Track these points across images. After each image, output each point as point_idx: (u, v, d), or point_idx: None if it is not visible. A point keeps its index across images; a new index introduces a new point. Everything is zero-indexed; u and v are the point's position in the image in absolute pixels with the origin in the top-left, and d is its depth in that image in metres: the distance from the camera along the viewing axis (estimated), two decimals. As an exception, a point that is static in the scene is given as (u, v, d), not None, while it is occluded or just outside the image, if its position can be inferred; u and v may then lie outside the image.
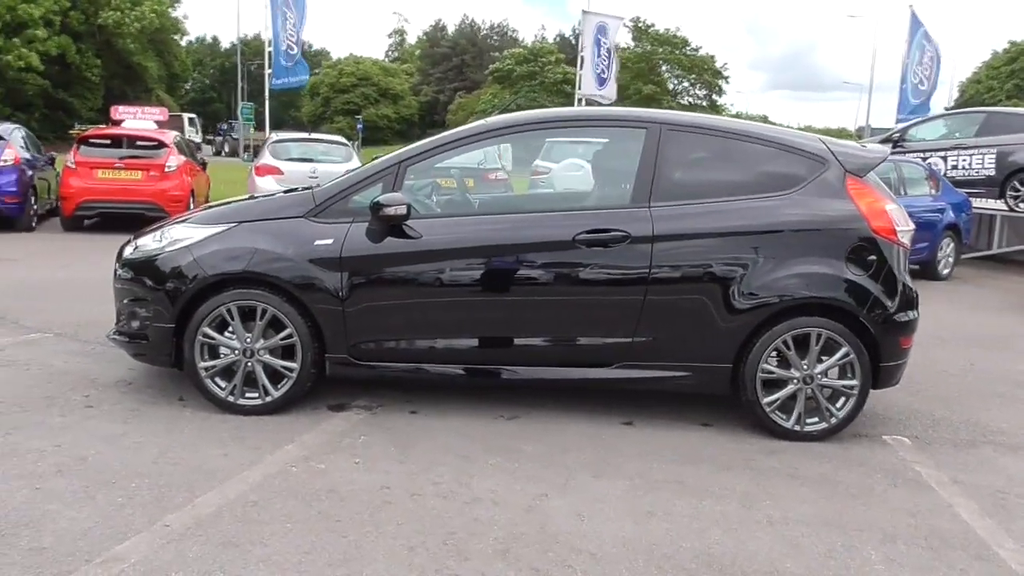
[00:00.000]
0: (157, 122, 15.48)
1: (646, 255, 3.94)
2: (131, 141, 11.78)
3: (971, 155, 11.84)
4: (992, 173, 11.77)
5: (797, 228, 4.03)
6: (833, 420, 4.08)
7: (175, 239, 4.10)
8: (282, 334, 3.97)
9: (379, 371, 4.08)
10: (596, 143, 9.78)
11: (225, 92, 69.22)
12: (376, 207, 3.86)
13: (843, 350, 4.01)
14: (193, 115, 42.99)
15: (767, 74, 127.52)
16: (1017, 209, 11.77)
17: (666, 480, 3.53)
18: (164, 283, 4.02)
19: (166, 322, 4.02)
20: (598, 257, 3.95)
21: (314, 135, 13.55)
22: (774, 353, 4.02)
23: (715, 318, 3.98)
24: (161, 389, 4.37)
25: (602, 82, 19.48)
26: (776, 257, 3.98)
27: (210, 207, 4.57)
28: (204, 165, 14.63)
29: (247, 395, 4.05)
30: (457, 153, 4.23)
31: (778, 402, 4.06)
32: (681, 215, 4.00)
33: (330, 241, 3.96)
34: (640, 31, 56.18)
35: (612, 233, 3.93)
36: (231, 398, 4.03)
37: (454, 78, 68.36)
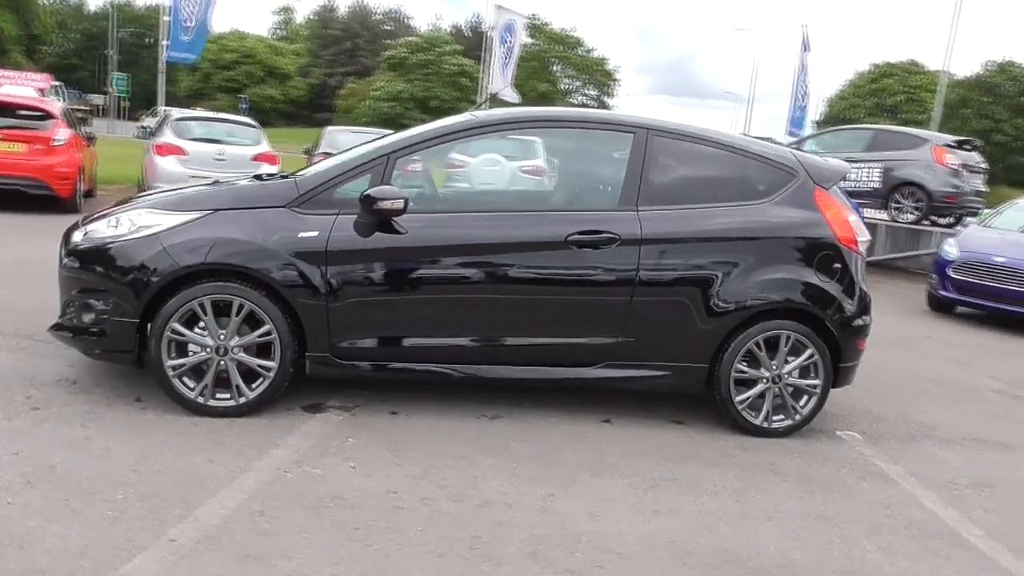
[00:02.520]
0: (39, 89, 14.32)
1: (634, 257, 4.00)
2: (11, 110, 10.77)
3: (859, 169, 12.64)
4: (878, 186, 12.66)
5: (771, 235, 4.19)
6: (797, 417, 4.28)
7: (140, 226, 3.82)
8: (259, 331, 3.78)
9: (362, 371, 3.95)
10: (540, 140, 9.69)
11: (91, 60, 64.68)
12: (369, 200, 3.73)
13: (808, 351, 4.21)
14: (58, 83, 39.99)
15: (651, 78, 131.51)
16: (899, 220, 12.73)
17: (662, 478, 3.61)
18: (127, 274, 3.74)
19: (129, 316, 3.75)
20: (588, 258, 3.98)
21: (220, 115, 12.94)
22: (746, 354, 4.18)
23: (695, 320, 4.10)
24: (112, 388, 4.06)
25: (503, 79, 19.54)
26: (753, 262, 4.14)
27: (172, 192, 4.26)
28: (92, 140, 13.68)
29: (218, 396, 3.83)
30: (448, 147, 4.14)
31: (749, 400, 4.22)
32: (666, 219, 4.08)
33: (315, 234, 3.80)
34: (536, 29, 56.67)
35: (603, 234, 3.97)
36: (201, 399, 3.80)
37: (346, 62, 66.71)
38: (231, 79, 58.88)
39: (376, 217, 3.79)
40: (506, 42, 19.00)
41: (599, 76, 59.92)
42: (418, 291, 3.90)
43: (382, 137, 4.44)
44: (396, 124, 47.47)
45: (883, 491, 3.73)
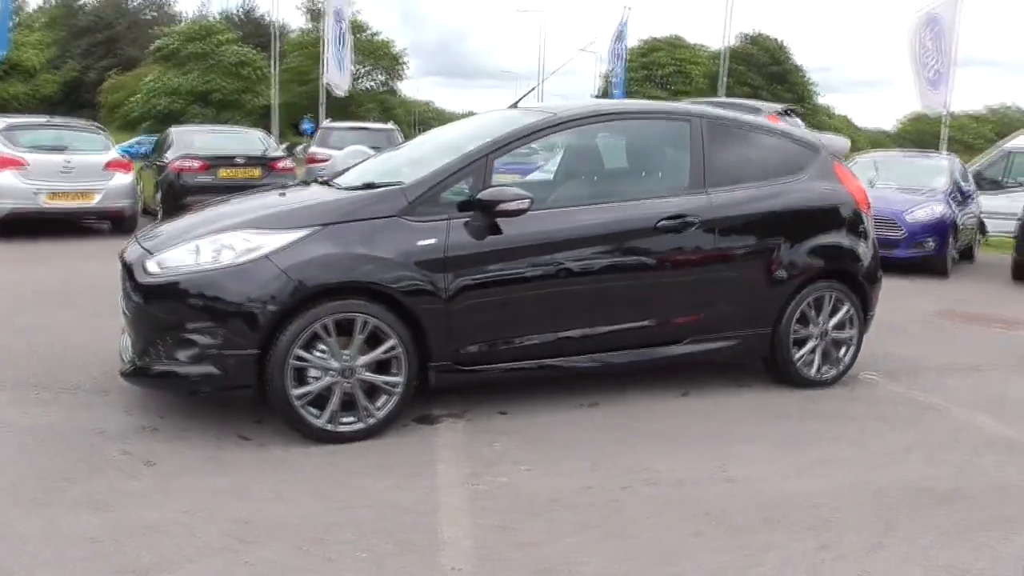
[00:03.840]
0: None
1: (711, 236, 4.27)
2: None
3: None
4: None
5: (812, 206, 4.64)
6: (840, 367, 4.79)
7: (243, 249, 3.50)
8: (384, 346, 3.63)
9: (482, 375, 3.91)
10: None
11: None
12: (490, 202, 3.68)
13: (846, 306, 4.72)
14: None
15: (420, 60, 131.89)
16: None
17: (782, 437, 3.93)
18: (239, 302, 3.43)
19: (246, 348, 3.45)
20: (673, 240, 4.19)
21: (56, 119, 11.50)
22: (800, 315, 4.61)
23: (761, 289, 4.45)
24: (200, 429, 3.71)
25: (338, 68, 18.91)
26: (801, 232, 4.56)
27: (257, 208, 3.88)
28: None
29: (342, 420, 3.63)
30: (533, 142, 4.14)
31: (803, 357, 4.66)
32: (730, 198, 4.39)
33: (433, 241, 3.69)
34: (317, 14, 54.78)
35: (686, 218, 4.19)
36: (329, 426, 3.59)
37: (103, 54, 60.45)
38: (-38, 80, 51.53)
39: (493, 219, 3.75)
40: (338, 28, 18.37)
41: (386, 60, 59.20)
42: (532, 288, 3.92)
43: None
44: (177, 121, 44.09)
45: (945, 419, 4.30)
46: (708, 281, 4.31)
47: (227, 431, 3.71)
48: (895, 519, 3.06)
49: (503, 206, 3.68)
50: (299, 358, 3.50)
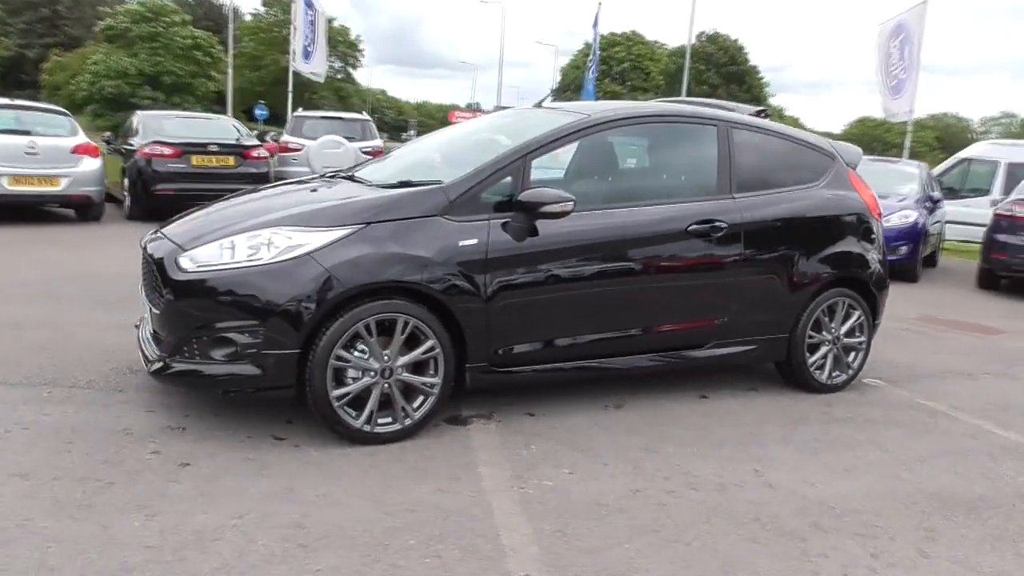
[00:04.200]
0: None
1: (738, 241, 4.32)
2: None
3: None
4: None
5: (831, 213, 4.73)
6: (850, 371, 4.89)
7: (285, 247, 3.42)
8: (423, 347, 3.58)
9: (517, 376, 3.89)
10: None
11: None
12: (533, 204, 3.66)
13: (857, 312, 4.83)
14: None
15: (370, 48, 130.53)
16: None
17: (810, 440, 4.00)
18: (281, 301, 3.35)
19: (288, 348, 3.38)
20: (703, 245, 4.23)
21: (19, 101, 11.03)
22: (815, 321, 4.69)
23: (782, 295, 4.52)
24: (230, 429, 3.62)
25: (307, 55, 18.54)
26: (820, 239, 4.65)
27: (295, 206, 3.75)
28: None
29: (379, 421, 3.58)
30: (571, 143, 4.11)
31: (816, 362, 4.75)
32: (756, 204, 4.44)
33: (475, 241, 3.66)
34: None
35: (716, 222, 4.23)
36: (367, 427, 3.54)
37: (45, 32, 58.22)
38: None
39: (534, 220, 3.73)
40: (308, 15, 17.98)
41: (343, 47, 58.37)
42: (568, 289, 3.91)
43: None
44: (125, 104, 42.69)
45: (957, 426, 4.42)
46: (733, 285, 4.36)
47: (258, 431, 3.63)
48: (935, 526, 3.14)
49: (547, 208, 3.66)
50: (339, 358, 3.44)
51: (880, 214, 5.02)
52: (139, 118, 12.51)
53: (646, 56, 57.88)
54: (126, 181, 11.56)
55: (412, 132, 51.78)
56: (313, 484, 3.15)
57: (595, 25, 20.94)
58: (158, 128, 11.74)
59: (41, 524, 2.69)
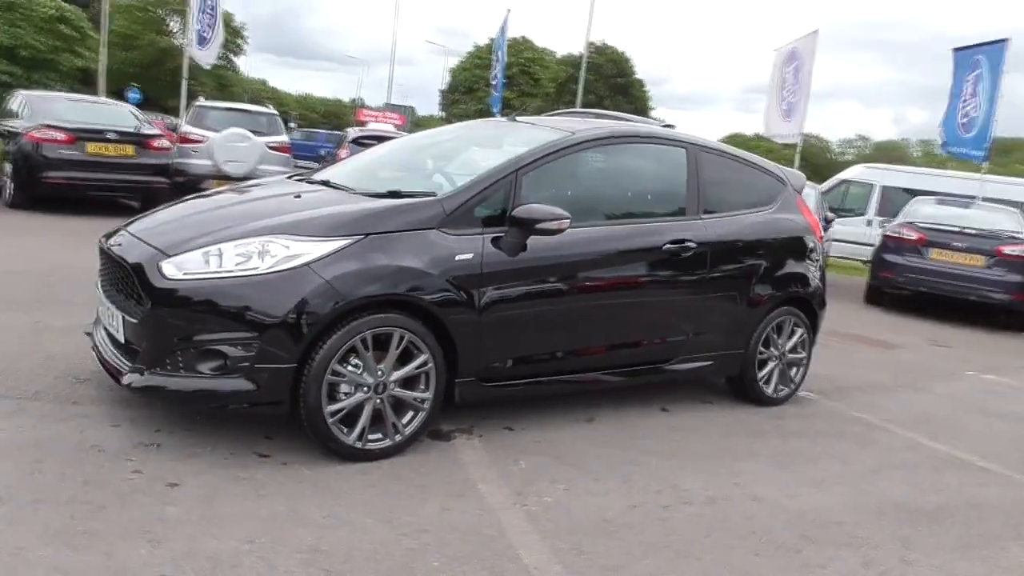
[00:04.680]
0: None
1: (705, 260, 4.49)
2: None
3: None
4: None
5: (784, 235, 4.98)
6: (792, 386, 5.17)
7: (282, 256, 3.27)
8: (416, 362, 3.52)
9: (503, 390, 3.88)
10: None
11: None
12: (529, 220, 3.67)
13: (801, 330, 5.12)
14: None
15: (250, 34, 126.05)
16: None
17: (773, 453, 4.20)
18: (278, 312, 3.21)
19: (283, 362, 3.24)
20: (675, 263, 4.36)
21: None
22: (765, 338, 4.93)
23: (740, 312, 4.73)
24: (207, 446, 3.43)
25: (202, 41, 17.67)
26: (774, 260, 4.89)
27: (283, 212, 3.58)
28: None
29: (370, 438, 3.49)
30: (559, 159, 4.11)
31: (764, 377, 5.00)
32: (719, 225, 4.62)
33: (470, 256, 3.63)
34: (148, -26, 50.83)
35: (687, 242, 4.38)
36: (359, 443, 3.44)
37: None
38: None
39: (528, 236, 3.74)
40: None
41: (227, 33, 55.94)
42: (558, 304, 3.95)
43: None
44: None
45: (893, 438, 4.75)
46: (698, 303, 4.53)
47: (238, 448, 3.46)
48: (908, 535, 3.38)
49: (544, 224, 3.68)
50: (335, 373, 3.33)
51: (822, 237, 5.34)
52: (23, 98, 11.58)
53: (535, 61, 58.66)
54: (7, 166, 10.67)
55: (292, 125, 50.24)
56: (316, 505, 3.04)
57: (502, 31, 21.00)
58: (48, 111, 10.89)
59: (38, 553, 2.48)
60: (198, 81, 51.77)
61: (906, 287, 10.25)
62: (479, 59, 61.94)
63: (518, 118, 4.75)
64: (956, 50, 13.78)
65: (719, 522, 3.29)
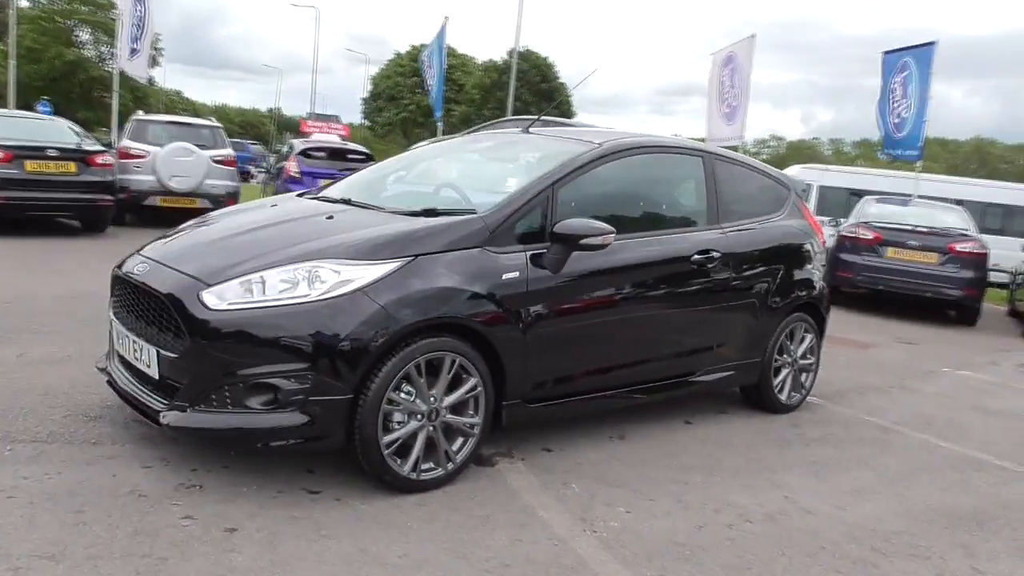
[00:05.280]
0: None
1: (727, 270, 4.48)
2: None
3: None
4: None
5: (794, 241, 5.02)
6: (803, 391, 5.22)
7: (333, 282, 3.09)
8: (467, 386, 3.39)
9: (546, 411, 3.78)
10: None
11: None
12: (573, 236, 3.57)
13: (811, 335, 5.17)
14: None
15: (164, 47, 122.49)
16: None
17: (806, 463, 4.21)
18: (332, 342, 3.03)
19: (340, 393, 3.06)
20: (703, 273, 4.34)
21: None
22: (780, 346, 4.96)
23: (759, 320, 4.74)
24: (251, 485, 3.23)
25: (133, 53, 16.83)
26: (787, 266, 4.92)
27: (326, 235, 3.40)
28: None
29: (423, 468, 3.34)
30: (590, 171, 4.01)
31: (779, 385, 5.02)
32: (738, 234, 4.62)
33: (516, 274, 3.51)
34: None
35: (711, 253, 4.36)
36: (414, 474, 3.29)
37: None
38: None
39: (572, 252, 3.65)
40: (138, 10, 16.32)
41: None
42: (600, 320, 3.87)
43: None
44: None
45: (908, 440, 4.83)
46: (722, 312, 4.51)
47: (284, 485, 3.26)
48: (966, 542, 3.42)
49: (589, 240, 3.59)
50: (391, 402, 3.17)
51: (824, 240, 5.41)
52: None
53: (459, 67, 58.55)
54: (-63, 185, 9.97)
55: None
56: (385, 543, 2.88)
57: (440, 38, 20.79)
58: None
59: (115, 620, 2.25)
60: (117, 92, 50.14)
61: (864, 286, 10.54)
62: (400, 67, 61.63)
63: (531, 129, 4.66)
64: (886, 53, 14.29)
65: (786, 539, 3.26)
